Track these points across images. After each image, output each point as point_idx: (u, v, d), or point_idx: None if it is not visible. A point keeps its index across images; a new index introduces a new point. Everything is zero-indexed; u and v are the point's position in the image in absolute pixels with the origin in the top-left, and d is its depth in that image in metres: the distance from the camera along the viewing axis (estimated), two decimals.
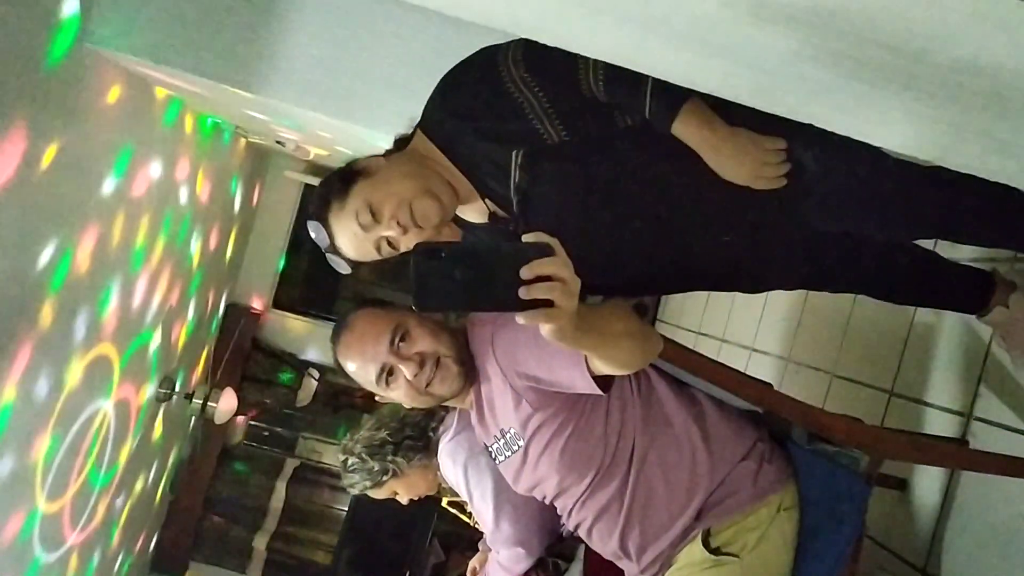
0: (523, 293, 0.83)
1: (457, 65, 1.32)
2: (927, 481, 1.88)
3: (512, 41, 1.26)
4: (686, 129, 1.21)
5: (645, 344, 1.18)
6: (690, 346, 1.48)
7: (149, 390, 4.02)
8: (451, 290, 0.82)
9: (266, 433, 5.20)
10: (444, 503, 2.58)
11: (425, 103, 1.34)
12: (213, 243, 4.47)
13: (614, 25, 0.76)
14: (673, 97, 1.19)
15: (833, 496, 1.40)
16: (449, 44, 2.49)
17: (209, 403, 4.34)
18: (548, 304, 0.84)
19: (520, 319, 0.86)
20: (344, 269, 1.37)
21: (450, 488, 1.87)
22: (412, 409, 1.65)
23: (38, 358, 2.86)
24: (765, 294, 2.92)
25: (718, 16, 0.68)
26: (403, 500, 1.98)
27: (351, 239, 1.30)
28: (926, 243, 1.82)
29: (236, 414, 4.57)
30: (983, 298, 1.61)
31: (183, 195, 3.84)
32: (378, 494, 1.94)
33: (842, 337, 2.45)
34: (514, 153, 1.27)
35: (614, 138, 1.27)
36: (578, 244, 0.87)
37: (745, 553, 1.35)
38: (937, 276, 1.62)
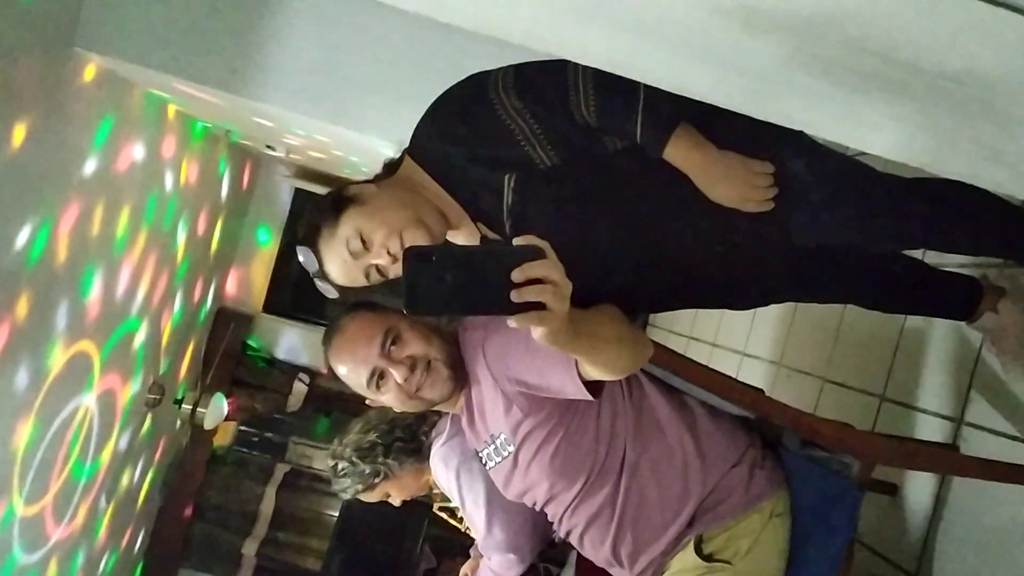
0: (514, 296, 0.82)
1: (446, 92, 1.32)
2: (919, 486, 1.89)
3: (502, 68, 1.27)
4: (677, 153, 1.22)
5: (635, 348, 1.18)
6: (681, 351, 1.48)
7: (135, 385, 3.94)
8: (442, 293, 0.81)
9: (256, 438, 5.17)
10: (435, 508, 2.57)
11: (414, 129, 1.34)
12: (200, 229, 4.35)
13: (606, 32, 0.76)
14: (664, 122, 1.20)
15: (825, 501, 1.41)
16: (439, 50, 2.50)
17: (199, 409, 4.31)
18: (540, 307, 0.84)
19: (512, 322, 0.85)
20: (332, 294, 1.36)
21: (441, 493, 1.87)
22: (402, 412, 1.64)
23: (15, 343, 2.80)
24: None
25: (710, 23, 0.68)
26: (395, 502, 1.97)
27: (340, 266, 1.29)
28: (914, 251, 1.83)
29: (225, 419, 4.55)
30: (972, 305, 1.61)
31: (168, 179, 3.74)
32: (370, 497, 1.94)
33: (833, 342, 2.46)
34: (507, 178, 1.27)
35: (605, 161, 1.28)
36: (572, 265, 0.86)
37: (737, 559, 1.35)
38: (926, 285, 1.62)
